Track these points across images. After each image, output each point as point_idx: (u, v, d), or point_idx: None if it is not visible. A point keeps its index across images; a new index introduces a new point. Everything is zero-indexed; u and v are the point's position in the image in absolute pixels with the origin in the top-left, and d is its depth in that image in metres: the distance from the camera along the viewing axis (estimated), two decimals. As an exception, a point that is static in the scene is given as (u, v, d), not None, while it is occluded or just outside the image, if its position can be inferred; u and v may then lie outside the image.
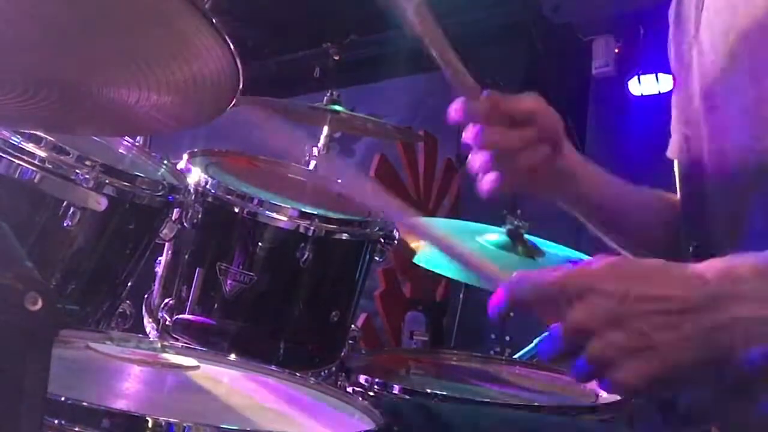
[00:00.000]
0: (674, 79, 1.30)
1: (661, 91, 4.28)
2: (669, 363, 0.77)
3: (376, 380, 1.54)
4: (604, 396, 1.66)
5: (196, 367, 1.25)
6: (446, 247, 1.04)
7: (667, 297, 0.78)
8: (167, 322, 1.66)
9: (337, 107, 2.48)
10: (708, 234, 1.14)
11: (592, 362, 0.79)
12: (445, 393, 1.52)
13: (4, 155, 1.31)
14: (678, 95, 1.27)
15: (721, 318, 0.77)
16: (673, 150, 1.32)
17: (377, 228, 1.78)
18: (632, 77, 4.39)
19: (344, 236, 1.75)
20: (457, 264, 1.05)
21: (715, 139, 1.13)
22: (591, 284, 0.80)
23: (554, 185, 1.31)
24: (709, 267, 0.81)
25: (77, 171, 1.36)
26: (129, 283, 1.58)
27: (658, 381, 0.77)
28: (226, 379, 1.26)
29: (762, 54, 1.06)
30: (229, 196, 1.69)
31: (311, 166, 2.28)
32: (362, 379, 1.55)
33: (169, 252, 1.75)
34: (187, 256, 1.72)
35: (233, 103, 0.84)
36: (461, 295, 4.53)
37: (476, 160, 1.25)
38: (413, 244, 1.85)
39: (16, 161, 1.32)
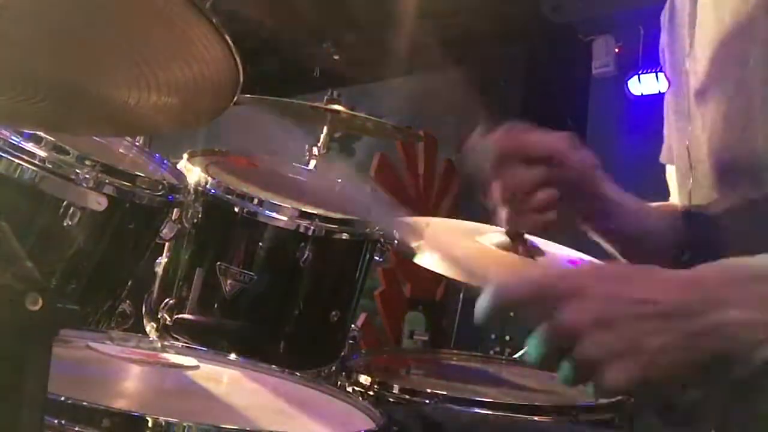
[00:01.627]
0: (669, 84, 1.31)
1: (661, 91, 4.27)
2: (656, 365, 0.76)
3: (376, 380, 1.54)
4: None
5: (196, 367, 1.25)
6: (443, 250, 1.04)
7: (656, 300, 0.78)
8: (167, 322, 1.66)
9: (337, 107, 2.48)
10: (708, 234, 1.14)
11: (579, 364, 0.79)
12: (445, 393, 1.51)
13: (4, 155, 1.31)
14: (673, 99, 1.27)
15: (709, 322, 0.77)
16: (665, 155, 1.33)
17: (377, 228, 1.77)
18: (632, 77, 4.39)
19: (344, 236, 1.75)
20: (455, 267, 1.05)
21: (707, 139, 1.14)
22: (580, 286, 0.80)
23: (576, 225, 1.27)
24: (700, 271, 0.81)
25: (77, 171, 1.36)
26: (129, 283, 1.58)
27: (645, 383, 0.77)
28: (226, 379, 1.26)
29: (747, 58, 1.07)
30: (229, 196, 1.69)
31: (311, 166, 2.28)
32: (362, 379, 1.55)
33: (169, 252, 1.75)
34: (187, 256, 1.72)
35: (233, 102, 0.84)
36: (461, 295, 4.53)
37: (494, 192, 1.20)
38: (414, 244, 1.85)
39: (16, 161, 1.32)
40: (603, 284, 0.80)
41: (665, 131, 1.33)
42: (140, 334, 1.50)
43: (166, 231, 1.59)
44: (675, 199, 1.35)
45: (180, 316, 1.66)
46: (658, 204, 1.38)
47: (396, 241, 1.81)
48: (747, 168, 1.06)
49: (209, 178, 1.69)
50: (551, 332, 0.79)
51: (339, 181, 1.95)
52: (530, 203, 1.17)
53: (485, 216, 1.70)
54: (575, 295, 0.79)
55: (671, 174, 1.35)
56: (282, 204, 1.70)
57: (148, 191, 1.49)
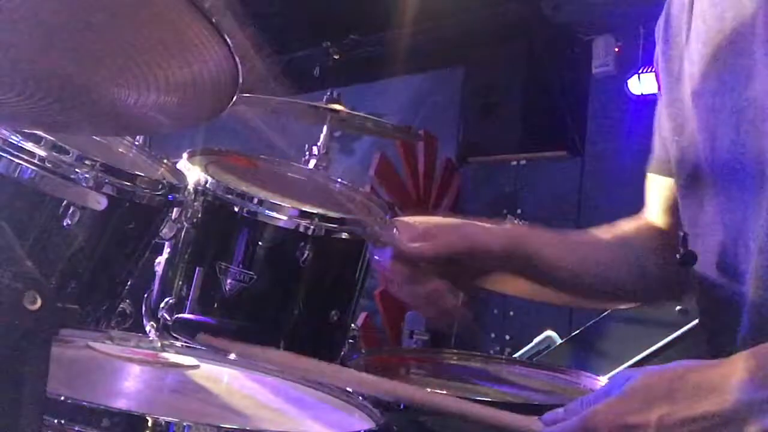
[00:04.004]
0: (660, 94, 1.30)
1: (661, 91, 4.28)
2: None
3: (376, 380, 1.54)
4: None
5: (196, 367, 1.25)
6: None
7: (701, 416, 0.79)
8: (167, 322, 1.66)
9: (337, 106, 2.48)
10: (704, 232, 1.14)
11: None
12: (445, 393, 1.51)
13: (3, 155, 1.31)
14: (668, 108, 1.26)
15: (760, 422, 0.77)
16: (654, 167, 1.32)
17: (377, 228, 1.77)
18: (632, 76, 4.39)
19: (344, 236, 1.75)
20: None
21: (705, 140, 1.14)
22: (623, 420, 0.81)
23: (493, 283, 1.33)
24: (736, 370, 0.82)
25: (77, 170, 1.36)
26: (129, 283, 1.58)
27: None
28: (226, 379, 1.26)
29: (748, 56, 1.06)
30: (228, 196, 1.68)
31: (311, 166, 2.28)
32: (362, 378, 1.55)
33: (169, 252, 1.74)
34: (186, 256, 1.71)
35: (233, 102, 0.84)
36: (461, 295, 4.53)
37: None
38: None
39: (16, 161, 1.32)
40: (644, 410, 0.81)
41: (655, 142, 1.33)
42: (140, 334, 1.50)
43: (166, 231, 1.59)
44: (654, 210, 1.34)
45: (180, 315, 1.66)
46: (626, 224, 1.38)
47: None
48: (750, 170, 1.06)
49: (209, 178, 1.69)
50: None
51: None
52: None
53: (485, 216, 1.71)
54: (621, 429, 0.80)
55: (655, 185, 1.34)
56: (282, 204, 1.70)
57: (148, 191, 1.49)
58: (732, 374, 0.82)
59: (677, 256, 1.14)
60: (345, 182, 2.00)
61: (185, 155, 1.76)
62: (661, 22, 1.30)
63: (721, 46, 1.10)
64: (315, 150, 2.39)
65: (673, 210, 1.26)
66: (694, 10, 1.18)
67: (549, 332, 3.56)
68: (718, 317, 1.11)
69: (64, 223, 1.37)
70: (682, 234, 1.15)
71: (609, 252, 1.35)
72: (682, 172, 1.21)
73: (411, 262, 1.25)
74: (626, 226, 1.38)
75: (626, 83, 4.42)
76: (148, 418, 0.88)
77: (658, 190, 1.32)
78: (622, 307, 1.46)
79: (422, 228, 1.27)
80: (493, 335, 4.53)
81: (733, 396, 0.80)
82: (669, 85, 1.25)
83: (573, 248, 1.34)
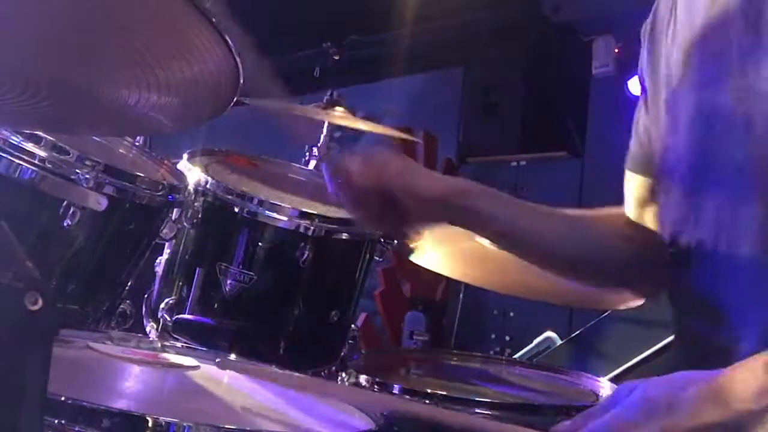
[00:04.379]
0: (643, 94, 1.31)
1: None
2: None
3: (376, 380, 1.54)
4: (605, 396, 1.67)
5: (196, 367, 1.25)
6: None
7: (703, 426, 0.79)
8: (167, 322, 1.66)
9: (337, 107, 2.48)
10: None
11: None
12: (445, 393, 1.51)
13: (4, 155, 1.31)
14: (651, 109, 1.27)
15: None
16: (629, 163, 1.32)
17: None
18: (632, 77, 4.39)
19: (344, 236, 1.75)
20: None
21: (679, 140, 1.14)
22: None
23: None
24: (738, 379, 0.83)
25: (77, 171, 1.36)
26: (129, 283, 1.58)
27: None
28: (226, 379, 1.26)
29: (716, 57, 1.07)
30: (229, 196, 1.69)
31: (311, 166, 2.28)
32: (362, 379, 1.55)
33: (169, 252, 1.75)
34: (187, 256, 1.72)
35: (233, 102, 0.84)
36: (461, 295, 4.53)
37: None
38: (413, 244, 1.85)
39: (16, 161, 1.32)
40: (648, 423, 0.81)
41: (633, 140, 1.33)
42: (140, 334, 1.50)
43: (166, 231, 1.59)
44: (630, 205, 1.34)
45: (180, 316, 1.66)
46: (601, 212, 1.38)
47: (396, 241, 1.81)
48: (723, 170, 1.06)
49: (209, 178, 1.69)
50: None
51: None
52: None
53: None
54: None
55: (630, 182, 1.34)
56: (282, 204, 1.70)
57: (148, 191, 1.49)
58: (734, 384, 0.82)
59: (670, 253, 1.14)
60: None
61: (185, 155, 1.76)
62: (648, 23, 1.31)
63: (695, 45, 1.11)
64: (315, 150, 2.39)
65: (648, 206, 1.26)
66: (677, 7, 1.19)
67: (549, 333, 3.56)
68: (705, 319, 1.10)
69: (65, 224, 1.37)
70: (670, 232, 1.15)
71: (563, 224, 1.35)
72: (661, 172, 1.22)
73: (353, 188, 1.23)
74: (599, 211, 1.38)
75: (626, 84, 4.42)
76: (148, 418, 0.88)
77: (634, 187, 1.32)
78: (584, 285, 1.44)
79: (371, 159, 1.25)
80: (493, 336, 4.52)
81: (735, 406, 0.80)
82: (653, 87, 1.26)
83: (525, 212, 1.33)
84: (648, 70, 1.28)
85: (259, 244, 1.69)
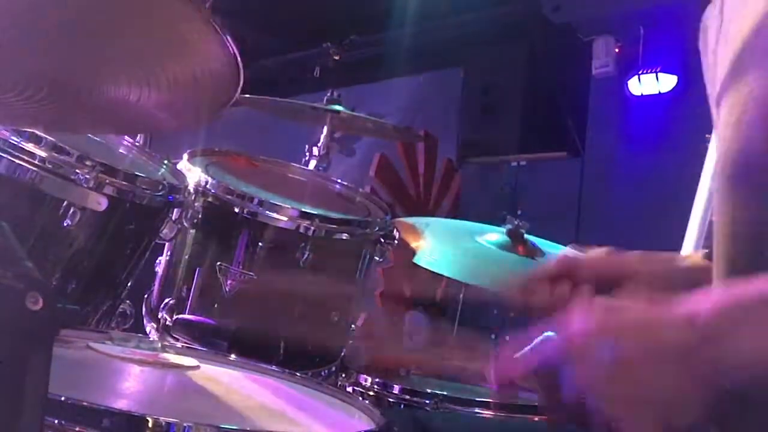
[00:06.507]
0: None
1: (661, 91, 4.28)
2: (677, 409, 0.78)
3: (376, 380, 1.54)
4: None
5: (196, 367, 1.25)
6: None
7: (661, 346, 0.79)
8: (167, 322, 1.66)
9: (337, 107, 2.48)
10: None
11: (601, 422, 0.81)
12: (445, 393, 1.51)
13: (4, 155, 1.31)
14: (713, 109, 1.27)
15: (719, 355, 0.78)
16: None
17: (377, 228, 1.77)
18: (632, 77, 4.39)
19: (344, 236, 1.75)
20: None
21: (723, 143, 1.14)
22: (588, 346, 0.83)
23: None
24: (702, 302, 0.82)
25: (77, 171, 1.36)
26: (129, 283, 1.58)
27: (672, 426, 0.79)
28: (226, 379, 1.26)
29: (763, 57, 1.06)
30: (229, 196, 1.68)
31: (311, 167, 2.28)
32: (362, 379, 1.55)
33: (169, 252, 1.74)
34: (187, 256, 1.71)
35: (233, 102, 0.84)
36: (461, 295, 4.53)
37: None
38: (413, 244, 1.85)
39: (16, 161, 1.32)
40: (608, 339, 0.82)
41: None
42: (140, 334, 1.50)
43: (166, 231, 1.59)
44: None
45: (180, 316, 1.66)
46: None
47: (396, 241, 1.81)
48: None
49: (209, 178, 1.69)
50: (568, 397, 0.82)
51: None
52: None
53: (485, 216, 1.71)
54: (585, 355, 0.82)
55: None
56: (282, 204, 1.70)
57: (148, 191, 1.49)
58: (699, 306, 0.82)
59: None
60: (345, 183, 2.00)
61: (185, 155, 1.76)
62: (701, 32, 1.31)
63: (739, 49, 1.11)
64: (315, 150, 2.39)
65: None
66: (723, 15, 1.19)
67: (549, 333, 3.55)
68: None
69: (65, 224, 1.37)
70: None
71: None
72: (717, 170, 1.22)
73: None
74: None
75: (626, 84, 4.42)
76: (148, 418, 0.88)
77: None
78: None
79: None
80: (493, 336, 4.52)
81: (698, 326, 0.80)
82: (709, 88, 1.26)
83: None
84: (705, 71, 1.28)
85: (259, 244, 1.69)
